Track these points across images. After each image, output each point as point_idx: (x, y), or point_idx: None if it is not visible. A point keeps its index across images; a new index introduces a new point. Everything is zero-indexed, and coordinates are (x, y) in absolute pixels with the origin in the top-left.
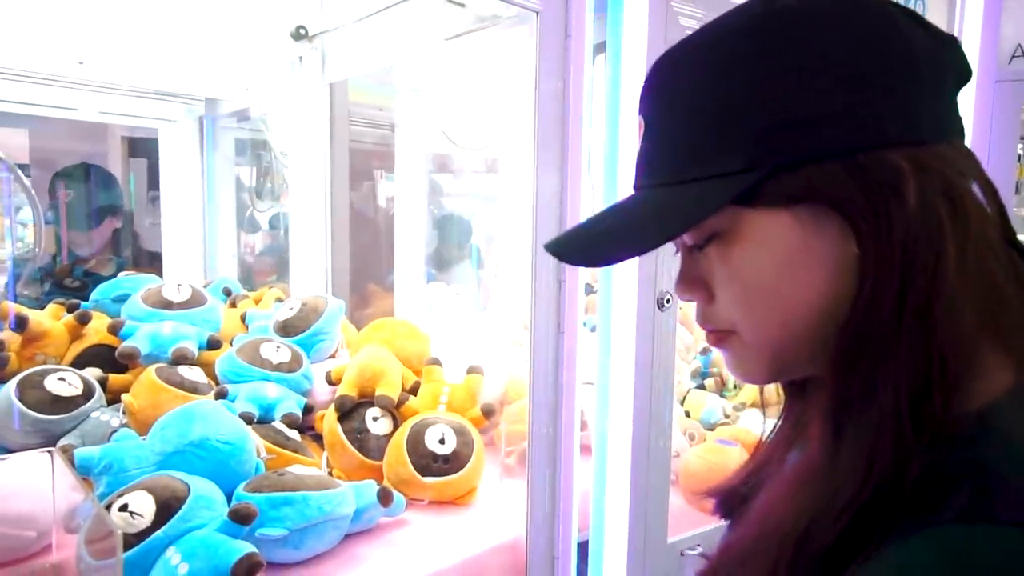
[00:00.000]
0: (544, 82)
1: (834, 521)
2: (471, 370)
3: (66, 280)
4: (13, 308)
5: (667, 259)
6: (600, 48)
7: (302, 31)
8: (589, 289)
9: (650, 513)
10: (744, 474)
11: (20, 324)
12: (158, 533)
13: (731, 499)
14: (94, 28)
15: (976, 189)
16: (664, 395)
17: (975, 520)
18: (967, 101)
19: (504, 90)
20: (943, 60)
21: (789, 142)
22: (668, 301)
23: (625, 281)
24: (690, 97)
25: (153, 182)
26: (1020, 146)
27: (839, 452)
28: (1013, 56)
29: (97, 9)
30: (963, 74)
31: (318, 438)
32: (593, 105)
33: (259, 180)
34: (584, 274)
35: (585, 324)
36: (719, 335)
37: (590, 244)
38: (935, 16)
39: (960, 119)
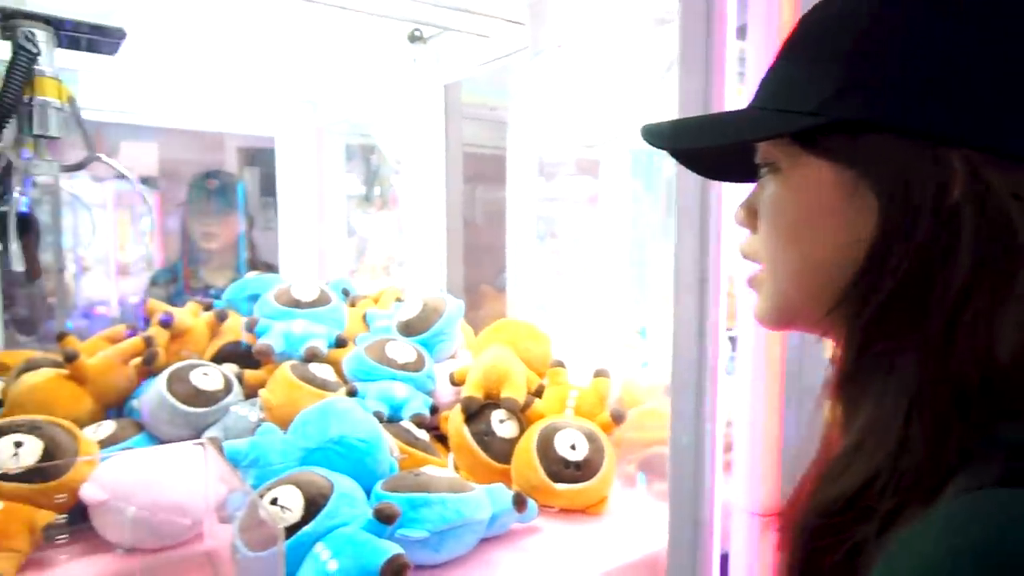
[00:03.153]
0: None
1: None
2: (598, 373)
3: (191, 282)
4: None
5: None
6: (741, 33)
7: (417, 33)
8: None
9: None
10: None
11: (167, 321)
12: (306, 528)
13: None
14: (218, 39)
15: None
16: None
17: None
18: None
19: (619, 87)
20: None
21: (860, 101)
22: None
23: None
24: (804, 30)
25: (264, 190)
26: None
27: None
28: None
29: (218, 19)
30: None
31: (441, 438)
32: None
33: (368, 185)
34: (725, 276)
35: None
36: (751, 276)
37: (666, 132)
38: None
39: None
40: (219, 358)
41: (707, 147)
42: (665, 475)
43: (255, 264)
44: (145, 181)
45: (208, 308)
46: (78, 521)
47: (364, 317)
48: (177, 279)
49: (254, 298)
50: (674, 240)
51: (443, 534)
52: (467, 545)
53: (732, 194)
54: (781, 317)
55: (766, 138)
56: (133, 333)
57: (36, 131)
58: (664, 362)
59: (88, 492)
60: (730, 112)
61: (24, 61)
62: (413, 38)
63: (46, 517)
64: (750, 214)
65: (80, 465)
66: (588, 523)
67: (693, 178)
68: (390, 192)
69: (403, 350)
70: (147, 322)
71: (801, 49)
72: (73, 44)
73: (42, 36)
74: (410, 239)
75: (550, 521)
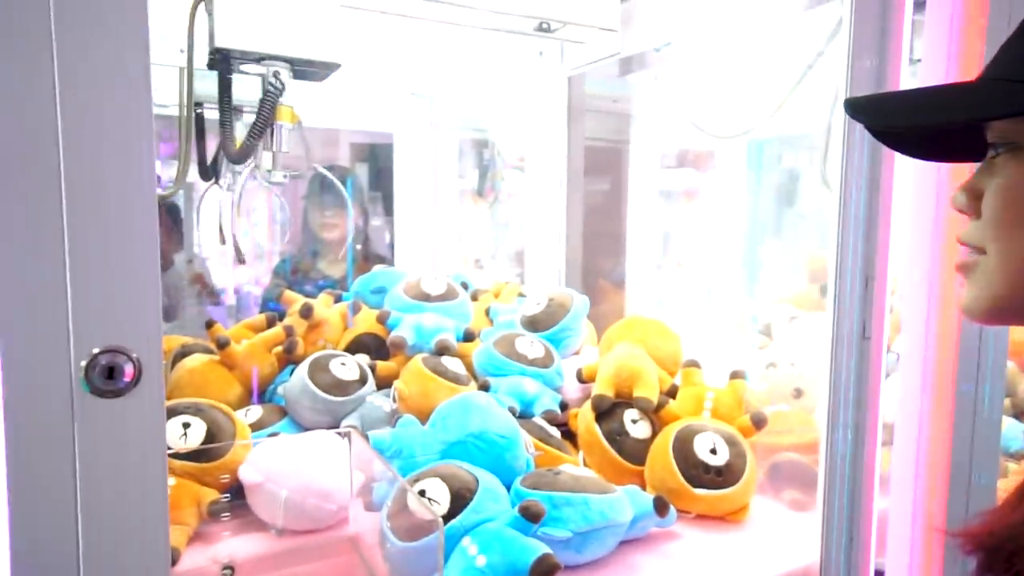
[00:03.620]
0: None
1: None
2: (734, 375)
3: (311, 273)
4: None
5: None
6: (920, 7)
7: (544, 25)
8: None
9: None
10: (1019, 522)
11: (307, 312)
12: (454, 522)
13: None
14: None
15: None
16: (990, 420)
17: None
18: None
19: (767, 72)
20: None
21: None
22: None
23: (945, 283)
24: None
25: (372, 184)
26: None
27: None
28: None
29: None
30: None
31: (568, 435)
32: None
33: (481, 179)
34: (891, 279)
35: None
36: (964, 261)
37: (881, 106)
38: None
39: None
40: (352, 348)
41: (934, 124)
42: (797, 482)
43: (367, 256)
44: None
45: (337, 300)
46: (238, 501)
47: (487, 311)
48: (295, 271)
49: (379, 291)
50: (835, 234)
51: (586, 535)
52: (608, 547)
53: (903, 187)
54: (997, 310)
55: (1001, 114)
56: (272, 322)
57: (275, 148)
58: (790, 363)
59: (246, 474)
60: (961, 85)
61: (273, 95)
62: (540, 29)
63: (210, 494)
64: (975, 198)
65: (237, 447)
66: (729, 531)
67: (859, 170)
68: (501, 186)
69: (532, 345)
70: (282, 312)
71: None
72: (300, 76)
73: (284, 72)
74: (530, 235)
75: (689, 527)
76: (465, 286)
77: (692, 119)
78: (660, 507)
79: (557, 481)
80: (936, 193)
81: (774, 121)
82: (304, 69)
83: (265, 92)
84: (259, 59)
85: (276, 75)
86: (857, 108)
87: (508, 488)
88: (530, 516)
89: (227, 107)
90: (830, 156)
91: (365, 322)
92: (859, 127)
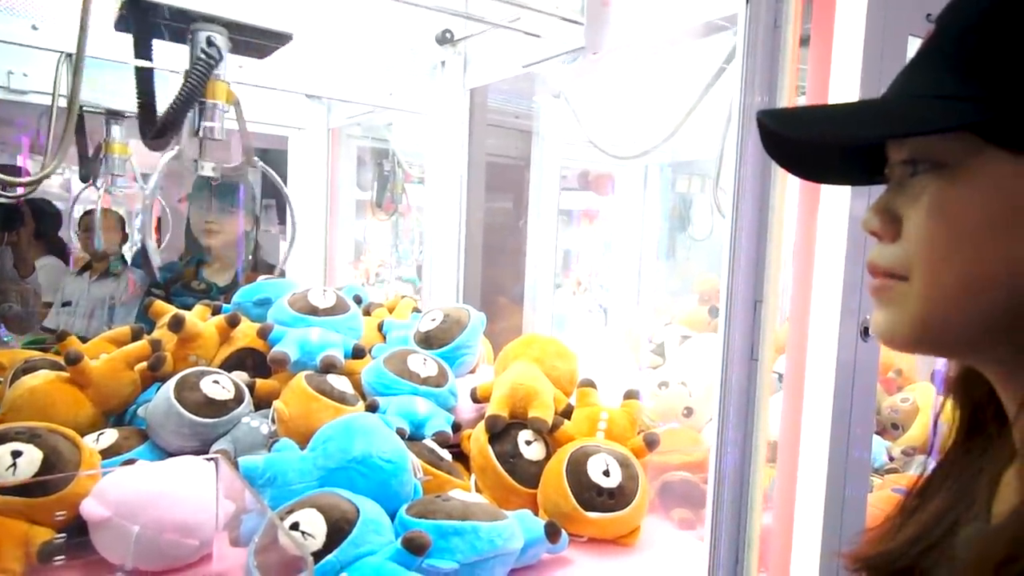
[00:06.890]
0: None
1: None
2: (628, 395)
3: (192, 282)
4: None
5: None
6: (804, 42)
7: (447, 35)
8: None
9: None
10: (904, 541)
11: (178, 324)
12: (330, 557)
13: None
14: None
15: None
16: (863, 438)
17: None
18: None
19: (663, 97)
20: None
21: None
22: None
23: (824, 307)
24: (976, 6)
25: (267, 191)
26: None
27: None
28: None
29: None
30: None
31: (460, 457)
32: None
33: (379, 190)
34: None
35: None
36: (883, 284)
37: (803, 118)
38: None
39: None
40: (229, 365)
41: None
42: (686, 501)
43: (256, 265)
44: (147, 177)
45: (216, 311)
46: (77, 540)
47: (380, 327)
48: (175, 280)
49: (263, 303)
50: (727, 258)
51: (474, 566)
52: None
53: (794, 210)
54: (924, 337)
55: (951, 129)
56: (138, 335)
57: (203, 133)
58: (681, 383)
59: (89, 508)
60: (883, 101)
61: (204, 64)
62: (443, 40)
63: (43, 535)
64: (891, 220)
65: (81, 478)
66: (621, 555)
67: (750, 196)
68: (402, 198)
69: (425, 364)
70: (152, 324)
71: (980, 25)
72: (239, 49)
73: (220, 41)
74: (429, 249)
75: (581, 552)
76: (358, 300)
77: (590, 137)
78: (552, 533)
79: (445, 508)
80: (817, 217)
81: (669, 147)
82: (245, 39)
83: (195, 59)
84: (188, 20)
85: (210, 42)
86: (774, 119)
87: (394, 517)
88: (414, 548)
89: (147, 77)
90: (721, 183)
91: (245, 336)
92: (750, 154)
